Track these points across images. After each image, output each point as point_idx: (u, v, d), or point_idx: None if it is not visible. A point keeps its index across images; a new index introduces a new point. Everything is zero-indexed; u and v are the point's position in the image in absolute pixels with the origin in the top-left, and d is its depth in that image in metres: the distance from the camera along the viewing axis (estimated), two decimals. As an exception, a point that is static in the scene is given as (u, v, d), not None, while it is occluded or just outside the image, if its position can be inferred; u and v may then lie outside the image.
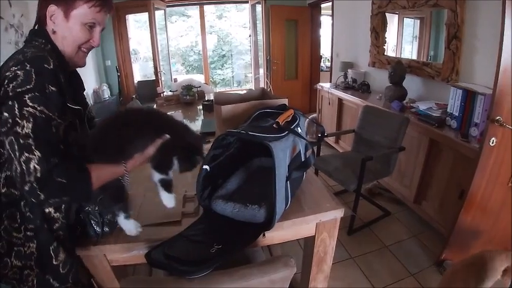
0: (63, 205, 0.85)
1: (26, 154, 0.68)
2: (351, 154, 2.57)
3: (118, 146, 0.81)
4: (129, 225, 0.92)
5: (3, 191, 0.80)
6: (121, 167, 0.82)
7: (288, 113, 1.10)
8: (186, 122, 2.52)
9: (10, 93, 0.71)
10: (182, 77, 6.46)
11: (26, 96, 0.71)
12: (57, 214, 0.84)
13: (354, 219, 2.33)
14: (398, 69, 2.78)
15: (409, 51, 3.22)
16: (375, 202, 2.65)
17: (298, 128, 1.09)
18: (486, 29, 2.16)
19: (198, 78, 5.95)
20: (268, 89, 4.88)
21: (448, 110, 2.24)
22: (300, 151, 1.09)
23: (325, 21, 5.85)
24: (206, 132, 2.09)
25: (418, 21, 3.15)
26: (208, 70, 7.06)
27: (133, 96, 5.14)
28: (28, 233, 0.81)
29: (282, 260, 0.78)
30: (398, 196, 2.63)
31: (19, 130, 0.69)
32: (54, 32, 0.85)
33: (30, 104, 0.70)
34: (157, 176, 0.88)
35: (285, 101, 1.32)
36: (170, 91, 3.46)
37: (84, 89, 1.05)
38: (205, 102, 2.73)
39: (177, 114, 2.63)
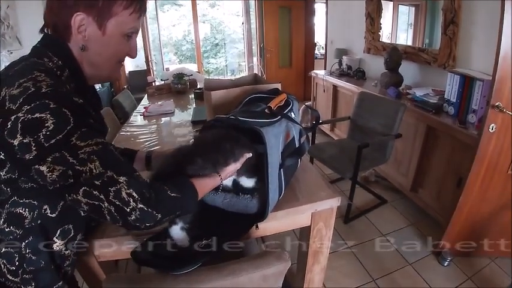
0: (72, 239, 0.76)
1: (113, 188, 0.58)
2: (346, 141, 2.52)
3: (216, 159, 0.79)
4: (182, 236, 0.84)
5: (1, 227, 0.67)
6: (217, 179, 0.79)
7: (280, 98, 1.03)
8: (177, 111, 2.45)
9: (46, 144, 0.55)
10: (175, 66, 6.32)
11: (73, 138, 0.57)
12: (68, 252, 0.75)
13: (350, 208, 2.29)
14: (394, 55, 2.71)
15: (404, 39, 3.15)
16: (371, 190, 2.61)
17: (292, 113, 1.02)
18: (483, 14, 2.10)
19: (191, 67, 5.83)
20: (263, 77, 4.80)
21: (445, 97, 2.19)
22: (293, 137, 1.03)
23: (319, 9, 5.74)
24: (197, 120, 2.03)
25: (413, 9, 3.08)
26: (201, 59, 6.93)
27: (124, 86, 5.02)
28: (26, 276, 0.69)
29: (274, 254, 0.73)
30: (395, 184, 2.60)
31: (88, 176, 0.57)
32: (83, 49, 0.68)
33: (82, 144, 0.58)
34: (246, 181, 0.90)
35: (278, 86, 1.25)
36: (161, 80, 3.37)
37: (101, 108, 0.90)
38: (196, 91, 2.66)
39: (168, 103, 2.55)
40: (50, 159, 0.56)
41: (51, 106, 0.55)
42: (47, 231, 0.69)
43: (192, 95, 2.81)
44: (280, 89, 1.23)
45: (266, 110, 0.96)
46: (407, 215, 2.37)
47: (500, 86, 1.54)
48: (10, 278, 0.68)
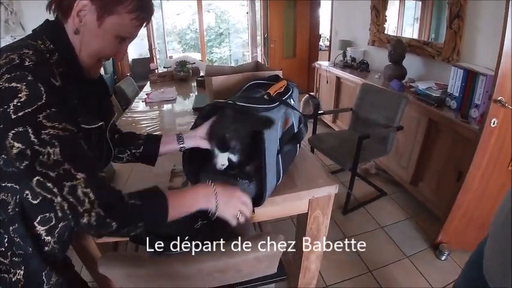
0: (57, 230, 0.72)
1: (68, 183, 0.54)
2: (347, 133, 2.51)
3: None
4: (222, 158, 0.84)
5: None
6: (208, 201, 0.73)
7: (280, 84, 1.03)
8: (179, 98, 2.45)
9: (13, 116, 0.54)
10: (178, 55, 6.30)
11: (40, 115, 0.56)
12: (49, 238, 0.71)
13: (349, 199, 2.29)
14: (399, 47, 2.69)
15: (410, 34, 3.10)
16: (370, 182, 2.61)
17: (291, 100, 1.02)
18: (489, 8, 2.07)
19: (195, 56, 5.80)
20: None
21: (448, 90, 2.17)
22: (292, 124, 1.03)
23: (324, 0, 5.67)
24: (198, 107, 2.03)
25: (419, 3, 3.03)
26: (205, 48, 6.89)
27: (127, 74, 5.01)
28: (15, 259, 0.68)
29: (269, 236, 0.73)
30: (395, 177, 2.60)
31: (45, 160, 0.54)
32: (76, 32, 0.67)
33: (49, 124, 0.56)
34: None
35: (279, 73, 1.25)
36: (164, 67, 3.36)
37: (110, 95, 0.88)
38: (199, 78, 2.65)
39: (170, 90, 2.54)
40: (11, 134, 0.54)
41: (28, 78, 0.56)
42: (28, 217, 0.67)
43: (195, 83, 2.80)
44: (281, 76, 1.23)
45: (265, 96, 0.95)
46: (406, 208, 2.38)
47: (503, 81, 1.52)
48: (0, 259, 0.67)
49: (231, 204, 0.75)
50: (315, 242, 1.21)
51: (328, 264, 1.80)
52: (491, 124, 1.59)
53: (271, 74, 1.19)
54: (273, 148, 0.86)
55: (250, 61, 6.31)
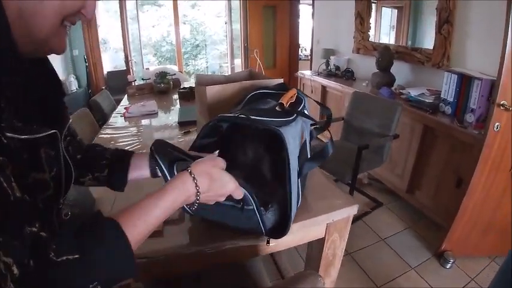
0: None
1: None
2: (340, 143, 2.42)
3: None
4: None
5: None
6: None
7: (291, 93, 0.90)
8: (160, 112, 2.28)
9: None
10: (155, 67, 6.11)
11: None
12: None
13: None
14: (386, 54, 2.66)
15: (386, 41, 3.14)
16: (365, 193, 2.53)
17: (305, 111, 0.90)
18: (479, 13, 2.07)
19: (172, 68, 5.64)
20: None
21: (442, 96, 2.14)
22: (306, 140, 0.91)
23: (304, 10, 5.68)
24: (185, 121, 1.88)
25: (395, 11, 3.06)
26: (182, 60, 6.73)
27: (102, 87, 4.75)
28: None
29: (308, 279, 0.59)
30: (390, 186, 2.53)
31: None
32: None
33: None
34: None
35: (281, 82, 1.12)
36: (143, 79, 3.18)
37: (63, 94, 0.63)
38: (181, 90, 2.49)
39: (151, 104, 2.37)
40: None
41: None
42: None
43: (176, 96, 2.64)
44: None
45: (277, 108, 0.82)
46: (404, 217, 2.30)
47: (505, 85, 1.49)
48: None
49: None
50: (329, 268, 1.09)
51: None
52: (495, 128, 1.56)
53: (274, 83, 1.06)
54: (294, 169, 0.72)
55: (229, 72, 6.21)
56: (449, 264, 1.83)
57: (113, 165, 0.76)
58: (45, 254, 0.39)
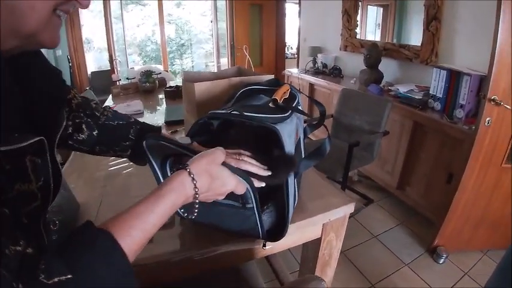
0: None
1: None
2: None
3: None
4: None
5: None
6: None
7: (284, 89, 0.86)
8: (146, 111, 2.21)
9: None
10: (139, 67, 5.99)
11: None
12: None
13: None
14: (374, 51, 2.65)
15: (372, 39, 3.15)
16: (355, 190, 2.52)
17: (300, 107, 0.86)
18: (467, 9, 2.08)
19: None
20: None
21: (431, 92, 2.14)
22: (300, 138, 0.87)
23: (290, 9, 5.67)
24: (172, 120, 1.82)
25: (381, 9, 3.07)
26: (167, 60, 6.63)
27: (86, 88, 4.62)
28: None
29: (311, 283, 0.55)
30: (380, 183, 2.52)
31: None
32: None
33: None
34: None
35: (270, 77, 1.08)
36: (127, 78, 3.09)
37: (71, 88, 0.58)
38: (167, 89, 2.42)
39: (136, 103, 2.29)
40: None
41: None
42: None
43: (162, 95, 2.57)
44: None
45: (270, 104, 0.78)
46: (395, 214, 2.30)
47: (496, 80, 1.50)
48: None
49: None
50: (326, 268, 1.06)
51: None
52: (486, 123, 1.56)
53: (266, 79, 1.01)
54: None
55: (216, 70, 6.15)
56: (443, 260, 1.83)
57: (138, 146, 0.73)
58: (34, 276, 0.34)
